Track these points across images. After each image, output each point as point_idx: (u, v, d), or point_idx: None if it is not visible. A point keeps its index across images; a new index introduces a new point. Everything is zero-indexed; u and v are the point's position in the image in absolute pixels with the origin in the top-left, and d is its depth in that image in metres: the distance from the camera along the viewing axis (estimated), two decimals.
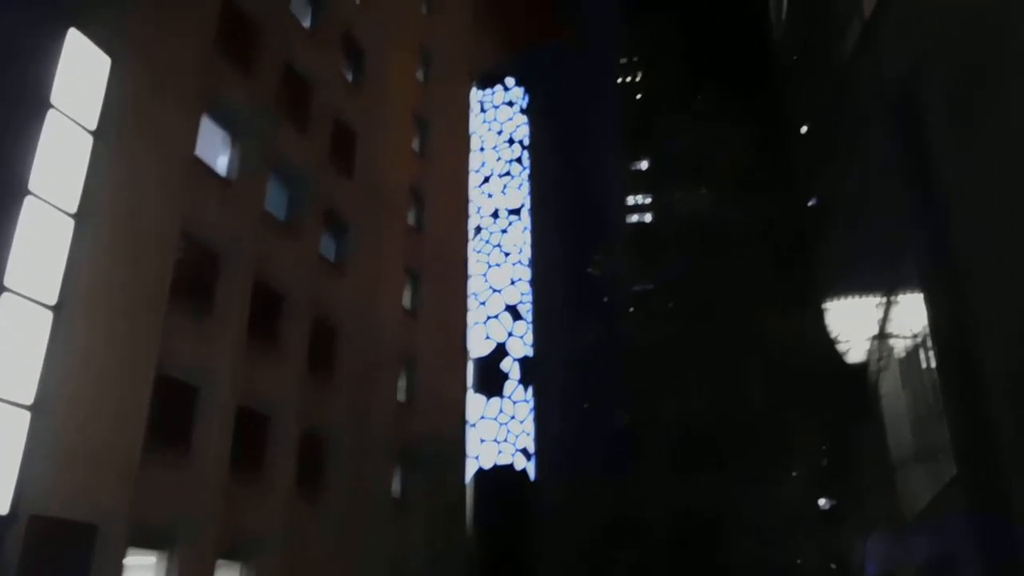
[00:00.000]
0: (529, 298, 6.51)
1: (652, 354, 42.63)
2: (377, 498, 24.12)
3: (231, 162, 20.54)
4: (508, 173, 6.74)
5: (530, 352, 6.41)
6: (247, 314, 19.90)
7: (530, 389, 6.15)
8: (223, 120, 20.12)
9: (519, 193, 6.76)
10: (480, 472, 6.29)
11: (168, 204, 16.48)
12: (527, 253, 6.64)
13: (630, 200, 54.02)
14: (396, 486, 25.99)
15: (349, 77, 26.75)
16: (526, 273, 6.51)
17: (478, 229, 6.98)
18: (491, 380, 6.21)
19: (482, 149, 7.21)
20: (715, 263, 44.91)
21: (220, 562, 18.34)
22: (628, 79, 60.81)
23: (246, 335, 19.75)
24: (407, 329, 27.90)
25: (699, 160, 53.01)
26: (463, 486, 26.44)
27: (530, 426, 6.12)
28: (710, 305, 42.95)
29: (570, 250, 37.71)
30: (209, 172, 19.56)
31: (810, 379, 42.26)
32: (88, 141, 11.80)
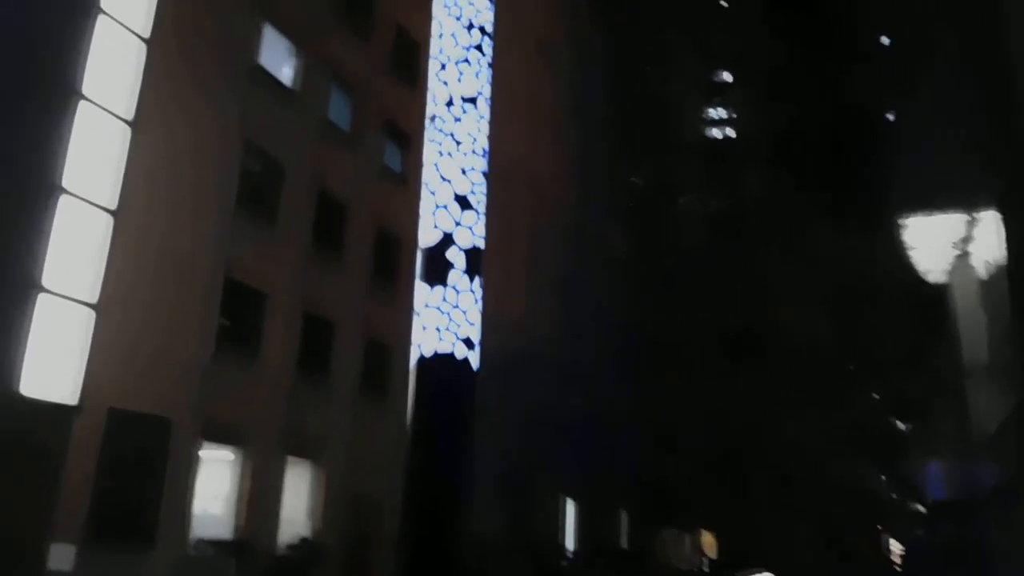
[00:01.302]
0: (482, 189, 6.38)
1: (710, 271, 42.24)
2: None
3: (295, 71, 20.67)
4: (466, 60, 6.55)
5: (480, 243, 6.32)
6: (311, 223, 20.33)
7: (477, 280, 6.10)
8: (286, 29, 20.17)
9: (476, 81, 6.58)
10: (421, 359, 6.40)
11: (229, 112, 16.73)
12: (482, 143, 6.49)
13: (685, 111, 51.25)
14: None
15: None
16: (480, 163, 6.35)
17: (432, 118, 6.89)
18: (436, 269, 6.21)
19: (440, 36, 7.02)
20: (786, 183, 43.87)
21: (291, 459, 19.27)
22: None
23: (311, 244, 20.22)
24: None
25: (778, 75, 51.24)
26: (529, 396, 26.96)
27: (475, 316, 6.12)
28: (776, 223, 42.24)
29: (594, 153, 37.09)
30: (273, 81, 19.75)
31: (885, 300, 41.39)
32: (140, 47, 11.99)
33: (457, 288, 4.67)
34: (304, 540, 18.82)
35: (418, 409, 4.60)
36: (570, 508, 32.97)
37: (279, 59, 20.24)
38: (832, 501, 37.50)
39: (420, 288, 4.64)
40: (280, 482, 18.86)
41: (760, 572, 26.20)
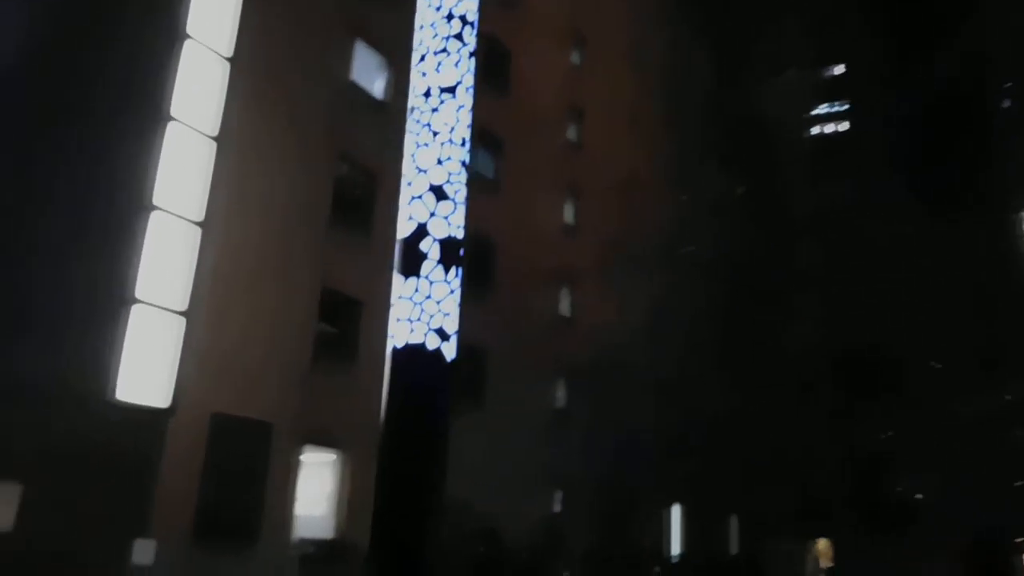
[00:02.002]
0: (460, 179, 6.34)
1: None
2: (537, 410, 24.81)
3: (386, 85, 21.25)
4: (444, 50, 6.50)
5: (457, 233, 6.23)
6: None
7: (454, 270, 6.01)
8: (377, 45, 20.76)
9: (456, 70, 6.54)
10: (394, 350, 6.42)
11: (321, 126, 17.33)
12: (461, 133, 6.44)
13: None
14: (560, 399, 26.71)
15: None
16: (458, 153, 6.31)
17: (411, 110, 6.88)
18: (410, 261, 6.20)
19: (421, 27, 7.04)
20: (899, 179, 41.83)
21: None
22: None
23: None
24: (569, 245, 28.07)
25: (889, 65, 48.89)
26: (628, 397, 26.72)
27: (449, 307, 6.05)
28: (892, 223, 40.34)
29: (693, 156, 36.07)
30: (365, 95, 20.36)
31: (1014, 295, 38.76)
32: (224, 67, 12.62)
33: (431, 279, 4.68)
34: None
35: (390, 402, 4.64)
36: (676, 515, 32.43)
37: (370, 74, 20.87)
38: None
39: (396, 280, 4.69)
40: None
41: None
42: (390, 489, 4.33)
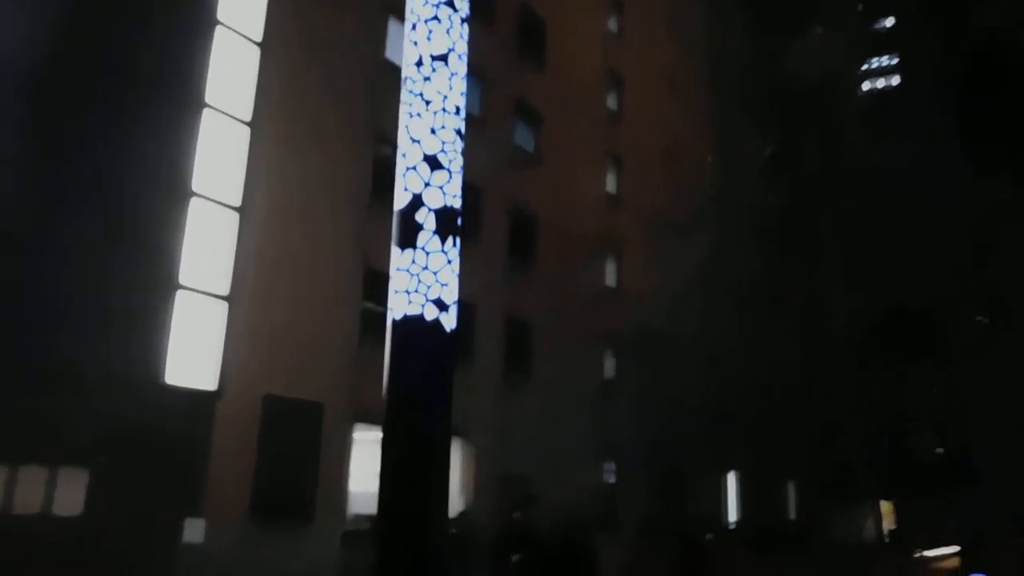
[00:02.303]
0: (455, 147, 6.20)
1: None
2: (585, 381, 24.77)
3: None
4: (435, 18, 6.36)
5: (454, 203, 6.12)
6: None
7: (451, 240, 5.92)
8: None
9: (447, 38, 6.40)
10: (392, 322, 6.37)
11: (358, 106, 17.37)
12: (455, 101, 6.31)
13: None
14: (608, 370, 26.63)
15: None
16: (452, 121, 6.19)
17: (404, 80, 6.78)
18: (406, 232, 6.11)
19: None
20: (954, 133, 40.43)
21: None
22: None
23: None
24: (612, 215, 27.84)
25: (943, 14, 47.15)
26: (677, 365, 26.53)
27: (447, 277, 5.97)
28: (952, 177, 39.07)
29: (739, 120, 35.27)
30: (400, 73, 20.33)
31: None
32: (255, 53, 12.70)
33: (427, 249, 4.60)
34: (463, 514, 19.44)
35: (392, 374, 4.60)
36: (731, 483, 32.20)
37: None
38: None
39: (393, 253, 4.63)
40: None
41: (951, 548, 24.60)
42: (394, 462, 4.31)
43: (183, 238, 11.27)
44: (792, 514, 35.70)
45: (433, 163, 4.89)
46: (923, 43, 52.53)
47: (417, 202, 4.74)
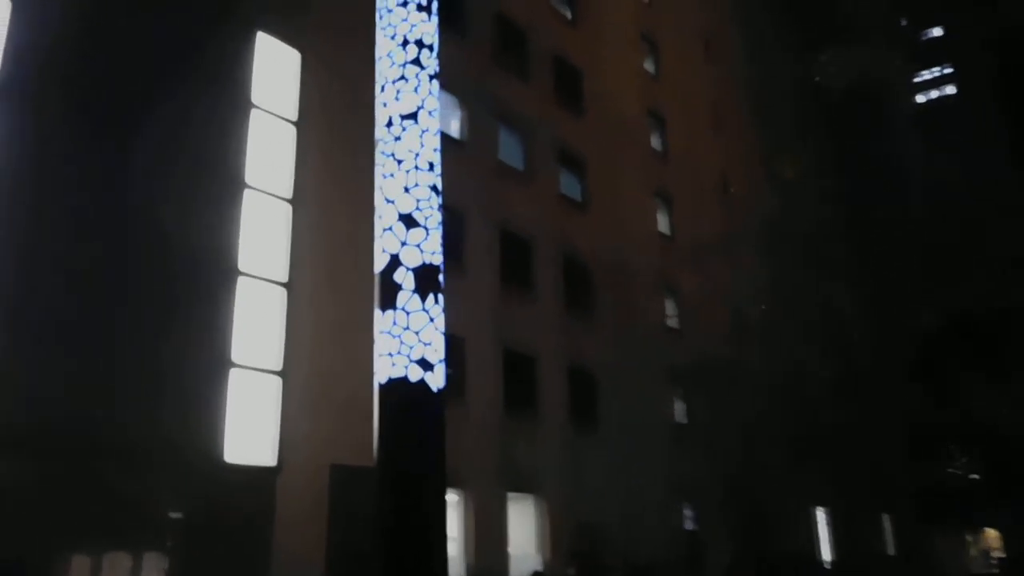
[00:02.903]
0: (430, 204, 6.09)
1: None
2: (654, 424, 24.33)
3: (461, 123, 21.56)
4: (402, 77, 6.34)
5: (433, 260, 5.98)
6: (497, 262, 20.95)
7: (432, 297, 5.76)
8: (446, 85, 21.04)
9: (415, 96, 6.39)
10: (379, 386, 6.23)
11: None
12: (427, 157, 6.21)
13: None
14: (677, 410, 26.14)
15: (568, 14, 26.69)
16: (426, 178, 6.09)
17: (376, 142, 6.81)
18: (387, 293, 6.01)
19: (379, 58, 6.90)
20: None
21: (511, 494, 19.72)
22: None
23: (500, 283, 20.81)
24: (667, 253, 27.60)
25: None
26: (744, 405, 25.87)
27: (430, 336, 5.79)
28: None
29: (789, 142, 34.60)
30: (442, 137, 20.61)
31: None
32: (291, 131, 13.08)
33: (407, 309, 4.58)
34: (537, 573, 19.14)
35: (381, 439, 4.55)
36: (821, 518, 31.01)
37: (445, 115, 21.21)
38: None
39: (376, 316, 4.61)
40: (504, 517, 19.33)
41: None
42: (391, 526, 4.25)
43: (233, 316, 11.57)
44: (890, 547, 34.08)
45: (408, 222, 4.93)
46: (974, 53, 51.46)
47: (395, 262, 4.77)
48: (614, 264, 24.49)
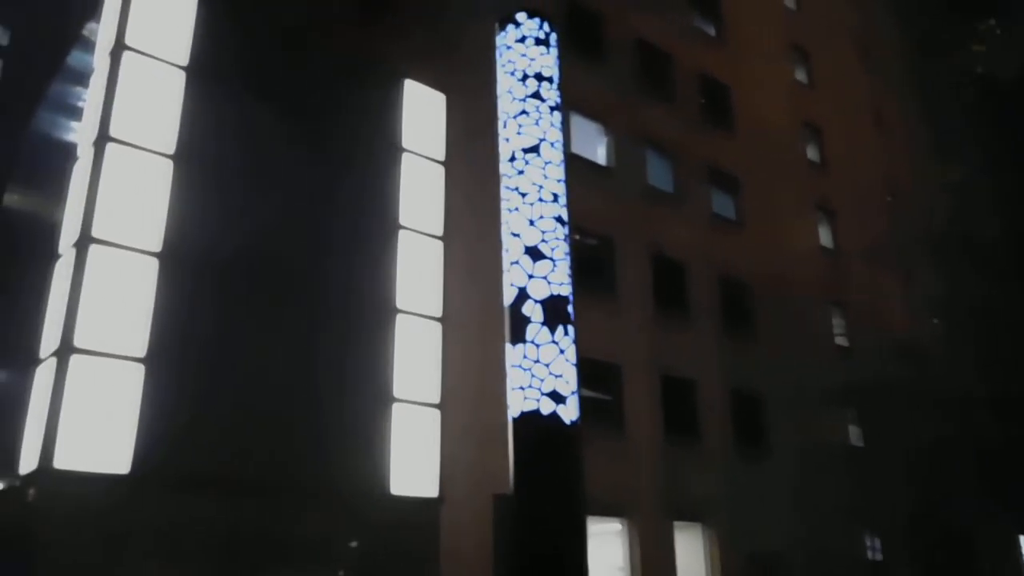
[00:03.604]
0: (556, 235, 5.77)
1: None
2: (828, 447, 23.12)
3: (607, 150, 21.58)
4: (523, 112, 6.14)
5: (562, 291, 5.66)
6: (651, 287, 20.69)
7: (562, 329, 5.45)
8: (591, 113, 21.17)
9: (537, 129, 6.15)
10: (512, 420, 5.93)
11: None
12: (551, 188, 5.95)
13: None
14: (852, 432, 24.75)
15: (711, 31, 26.26)
16: (550, 210, 5.82)
17: (501, 177, 6.64)
18: (516, 327, 5.75)
19: (500, 95, 6.76)
20: None
21: (678, 524, 19.25)
22: None
23: (654, 308, 20.52)
24: (831, 267, 26.36)
25: None
26: (925, 424, 24.16)
27: (561, 368, 5.46)
28: None
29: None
30: (589, 165, 20.75)
31: None
32: (439, 170, 13.53)
33: (536, 342, 4.52)
34: None
35: (517, 473, 4.49)
36: None
37: (591, 142, 21.30)
38: None
39: (507, 350, 4.58)
40: (670, 546, 18.88)
41: None
42: (527, 564, 4.21)
43: (394, 352, 12.02)
44: None
45: (535, 254, 4.94)
46: None
47: (523, 295, 4.79)
48: (775, 282, 23.63)
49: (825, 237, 27.16)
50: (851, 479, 22.76)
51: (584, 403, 17.02)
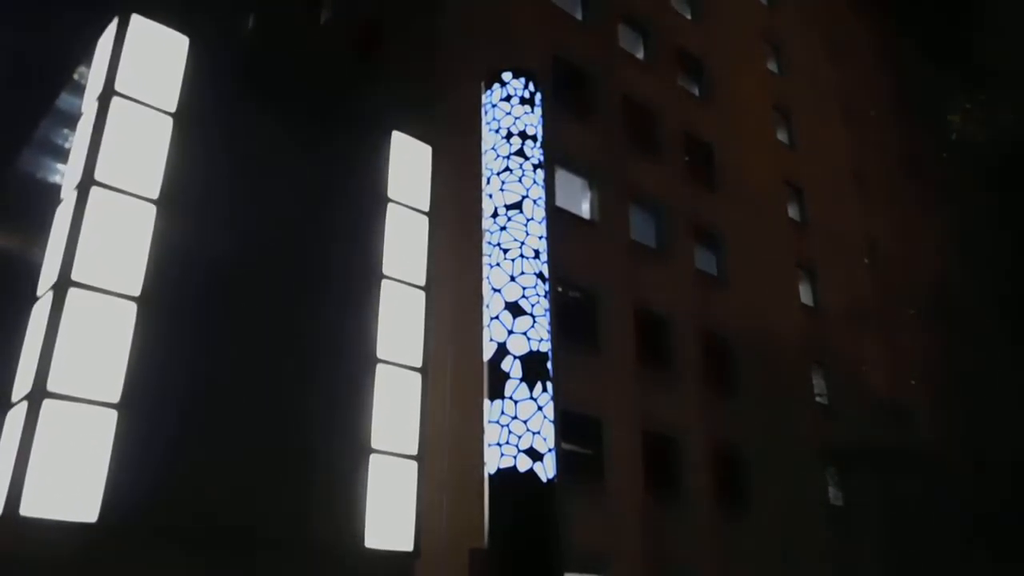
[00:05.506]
0: (536, 291, 5.84)
1: None
2: (809, 507, 22.98)
3: (591, 204, 21.75)
4: (507, 168, 6.28)
5: (541, 347, 5.71)
6: (635, 341, 20.69)
7: (540, 386, 5.46)
8: (576, 168, 21.39)
9: (519, 186, 6.32)
10: (489, 477, 5.94)
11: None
12: (533, 245, 6.06)
13: None
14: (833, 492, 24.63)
15: (695, 91, 26.72)
16: (531, 266, 5.91)
17: (484, 233, 6.80)
18: (495, 383, 5.78)
19: (484, 151, 6.94)
20: None
21: None
22: None
23: (637, 362, 20.50)
24: (812, 326, 26.48)
25: None
26: (910, 486, 24.07)
27: (538, 424, 5.45)
28: None
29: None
30: (573, 218, 20.90)
31: None
32: (424, 221, 13.59)
33: (515, 398, 4.49)
34: None
35: (491, 531, 4.43)
36: None
37: (576, 196, 21.47)
38: None
39: (484, 406, 4.54)
40: None
41: None
42: None
43: (373, 402, 11.91)
44: None
45: (515, 310, 4.94)
46: None
47: (502, 351, 4.77)
48: (757, 339, 23.71)
49: (806, 295, 27.37)
50: (834, 538, 22.60)
51: (565, 457, 16.99)
